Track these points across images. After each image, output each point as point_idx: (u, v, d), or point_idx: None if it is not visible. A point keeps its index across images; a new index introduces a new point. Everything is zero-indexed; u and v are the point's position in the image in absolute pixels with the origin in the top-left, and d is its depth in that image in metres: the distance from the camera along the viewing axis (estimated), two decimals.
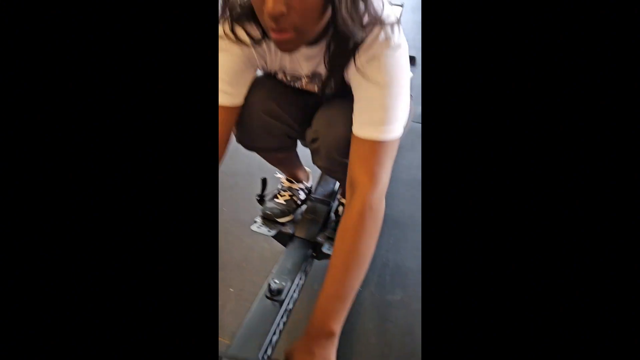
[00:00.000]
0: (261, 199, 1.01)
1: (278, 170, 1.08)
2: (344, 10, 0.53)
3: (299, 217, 1.01)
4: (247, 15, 0.60)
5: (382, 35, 0.60)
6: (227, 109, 0.70)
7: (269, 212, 0.98)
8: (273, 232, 0.96)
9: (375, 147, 0.63)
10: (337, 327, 0.59)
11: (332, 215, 1.02)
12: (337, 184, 1.09)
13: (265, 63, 0.72)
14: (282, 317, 0.76)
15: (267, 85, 0.75)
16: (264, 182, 1.00)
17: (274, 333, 0.73)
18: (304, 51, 0.66)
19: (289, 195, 1.03)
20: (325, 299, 0.61)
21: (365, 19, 0.58)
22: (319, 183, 1.09)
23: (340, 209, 1.01)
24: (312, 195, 1.05)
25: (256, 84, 0.75)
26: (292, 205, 1.02)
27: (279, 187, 1.05)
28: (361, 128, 0.64)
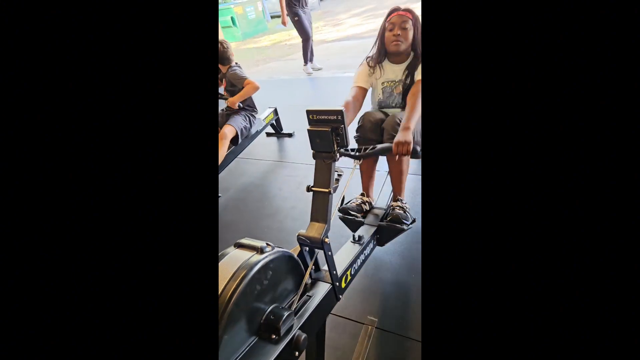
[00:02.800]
0: (342, 209, 1.55)
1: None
2: (418, 38, 1.51)
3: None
4: (379, 56, 1.59)
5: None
6: (361, 88, 1.58)
7: (346, 206, 1.51)
8: (351, 218, 1.49)
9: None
10: (411, 125, 1.32)
11: (387, 215, 1.56)
12: (390, 196, 1.67)
13: (380, 76, 1.60)
14: (361, 255, 1.24)
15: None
16: (343, 198, 1.54)
17: (357, 263, 1.21)
18: (394, 67, 1.56)
19: (360, 202, 1.57)
20: (405, 120, 1.36)
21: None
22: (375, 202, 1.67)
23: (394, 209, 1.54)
24: (373, 206, 1.63)
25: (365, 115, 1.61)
26: (360, 209, 1.55)
27: (355, 199, 1.62)
28: (418, 76, 1.54)
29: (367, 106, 1.75)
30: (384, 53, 1.54)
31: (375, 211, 1.55)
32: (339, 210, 1.54)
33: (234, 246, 0.85)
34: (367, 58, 1.57)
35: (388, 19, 1.48)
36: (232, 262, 0.77)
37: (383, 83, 1.58)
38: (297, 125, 3.06)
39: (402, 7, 1.48)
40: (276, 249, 0.85)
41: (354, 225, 1.52)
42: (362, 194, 1.63)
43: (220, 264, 0.78)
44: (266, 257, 0.79)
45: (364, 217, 1.53)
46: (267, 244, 0.84)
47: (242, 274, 0.74)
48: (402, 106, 1.58)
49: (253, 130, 2.49)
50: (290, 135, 2.93)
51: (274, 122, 2.83)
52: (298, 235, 0.96)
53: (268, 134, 2.99)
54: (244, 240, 0.86)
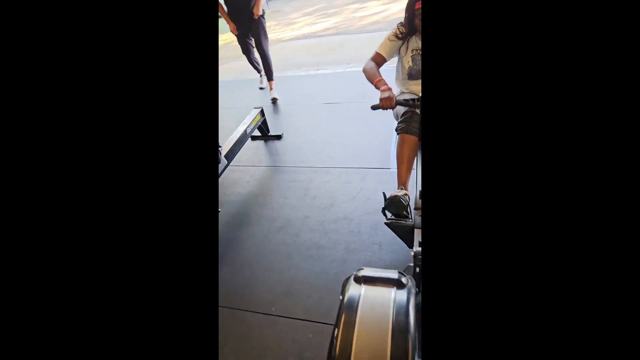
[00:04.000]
0: (385, 209, 1.34)
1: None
2: None
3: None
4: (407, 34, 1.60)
5: None
6: (382, 56, 1.63)
7: (398, 200, 1.35)
8: (410, 223, 1.28)
9: None
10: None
11: None
12: None
13: (407, 44, 1.62)
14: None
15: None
16: (384, 194, 1.36)
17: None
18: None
19: (403, 195, 1.43)
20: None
21: None
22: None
23: None
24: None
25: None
26: (407, 202, 1.39)
27: (395, 194, 1.44)
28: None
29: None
30: (413, 32, 1.58)
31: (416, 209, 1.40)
32: (389, 210, 1.34)
33: (357, 281, 0.65)
34: (399, 26, 1.61)
35: (417, 8, 1.48)
36: (380, 307, 0.58)
37: (413, 51, 1.61)
38: (282, 126, 2.83)
39: None
40: (407, 277, 0.66)
41: (404, 232, 1.35)
42: (401, 188, 1.47)
43: (362, 308, 0.58)
44: (411, 290, 0.61)
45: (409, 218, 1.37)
46: (400, 273, 0.65)
47: (403, 323, 0.55)
48: None
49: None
50: (279, 137, 2.68)
51: (260, 124, 2.57)
52: (416, 255, 0.78)
53: (253, 138, 2.71)
54: (368, 272, 0.66)
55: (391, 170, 2.12)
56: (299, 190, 2.10)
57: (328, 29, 6.12)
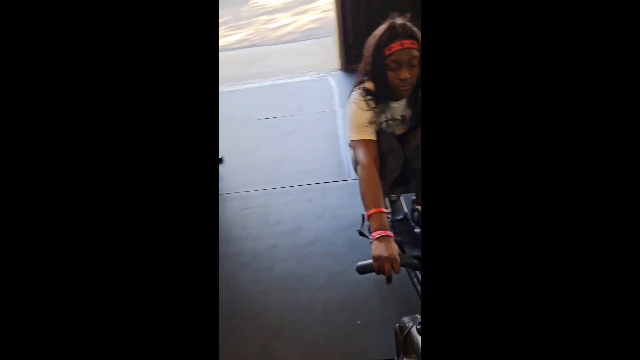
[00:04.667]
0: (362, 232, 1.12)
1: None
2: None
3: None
4: (381, 94, 1.22)
5: None
6: (372, 142, 1.20)
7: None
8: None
9: None
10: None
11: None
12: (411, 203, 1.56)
13: (380, 116, 1.25)
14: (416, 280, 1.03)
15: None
16: (363, 217, 1.19)
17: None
18: (396, 105, 1.27)
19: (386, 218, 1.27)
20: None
21: None
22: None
23: (416, 214, 1.45)
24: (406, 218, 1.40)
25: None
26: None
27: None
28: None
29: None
30: (386, 94, 1.20)
31: (399, 225, 1.36)
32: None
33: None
34: (363, 94, 1.21)
35: (388, 54, 1.10)
36: None
37: (382, 123, 1.30)
38: (220, 148, 2.58)
39: (400, 22, 1.11)
40: None
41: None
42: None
43: None
44: None
45: (401, 241, 1.28)
46: None
47: None
48: None
49: None
50: (220, 160, 2.44)
51: None
52: None
53: None
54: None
55: (349, 181, 2.07)
56: (258, 217, 1.89)
57: (242, 40, 5.91)
